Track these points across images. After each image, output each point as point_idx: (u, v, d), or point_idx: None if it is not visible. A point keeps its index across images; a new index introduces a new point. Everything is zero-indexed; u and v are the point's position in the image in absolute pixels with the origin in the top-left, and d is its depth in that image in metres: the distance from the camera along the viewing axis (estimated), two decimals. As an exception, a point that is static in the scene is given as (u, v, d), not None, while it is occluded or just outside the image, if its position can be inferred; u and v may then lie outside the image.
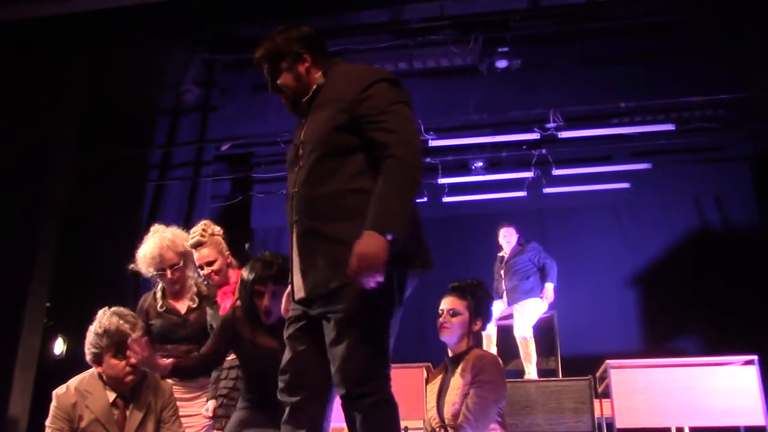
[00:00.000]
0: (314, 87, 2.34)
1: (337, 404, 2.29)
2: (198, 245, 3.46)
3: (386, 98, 2.20)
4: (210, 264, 3.44)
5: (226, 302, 3.43)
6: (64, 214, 6.07)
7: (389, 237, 2.00)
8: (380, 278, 1.99)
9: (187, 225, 7.24)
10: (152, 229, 3.58)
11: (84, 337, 2.89)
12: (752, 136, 7.66)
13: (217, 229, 3.55)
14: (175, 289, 3.54)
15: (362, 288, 2.01)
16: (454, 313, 3.14)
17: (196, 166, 7.82)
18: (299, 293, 2.21)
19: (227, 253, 3.54)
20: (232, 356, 3.35)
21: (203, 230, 3.49)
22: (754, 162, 7.81)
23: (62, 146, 6.19)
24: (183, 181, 7.65)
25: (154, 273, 3.50)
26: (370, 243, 1.98)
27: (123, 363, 2.81)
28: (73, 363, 4.19)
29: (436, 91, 7.49)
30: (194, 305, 3.53)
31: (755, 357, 5.03)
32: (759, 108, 7.29)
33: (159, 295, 3.57)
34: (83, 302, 5.83)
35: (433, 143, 7.50)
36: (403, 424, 4.80)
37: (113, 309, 2.90)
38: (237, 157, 8.76)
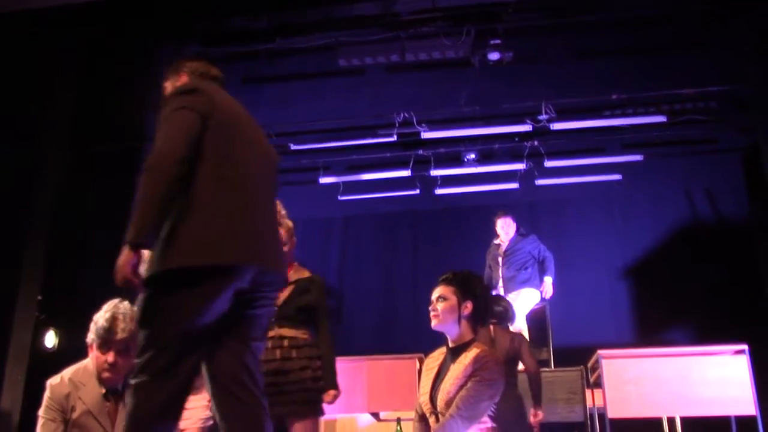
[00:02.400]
0: None
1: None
2: None
3: (168, 108, 2.26)
4: None
5: None
6: (56, 208, 6.04)
7: (130, 245, 2.12)
8: (134, 281, 2.15)
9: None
10: None
11: (76, 331, 2.88)
12: (744, 129, 7.67)
13: None
14: None
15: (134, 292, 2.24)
16: (440, 299, 3.16)
17: (188, 160, 7.78)
18: None
19: None
20: None
21: None
22: (746, 154, 7.83)
23: (54, 141, 6.16)
24: (175, 174, 7.61)
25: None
26: (120, 255, 2.14)
27: (103, 358, 2.81)
28: (65, 356, 4.19)
29: (428, 84, 7.48)
30: None
31: (745, 347, 5.08)
32: (751, 100, 7.30)
33: None
34: (75, 296, 5.82)
35: (425, 135, 7.50)
36: (395, 415, 4.81)
37: (115, 305, 2.88)
38: (229, 150, 8.71)
